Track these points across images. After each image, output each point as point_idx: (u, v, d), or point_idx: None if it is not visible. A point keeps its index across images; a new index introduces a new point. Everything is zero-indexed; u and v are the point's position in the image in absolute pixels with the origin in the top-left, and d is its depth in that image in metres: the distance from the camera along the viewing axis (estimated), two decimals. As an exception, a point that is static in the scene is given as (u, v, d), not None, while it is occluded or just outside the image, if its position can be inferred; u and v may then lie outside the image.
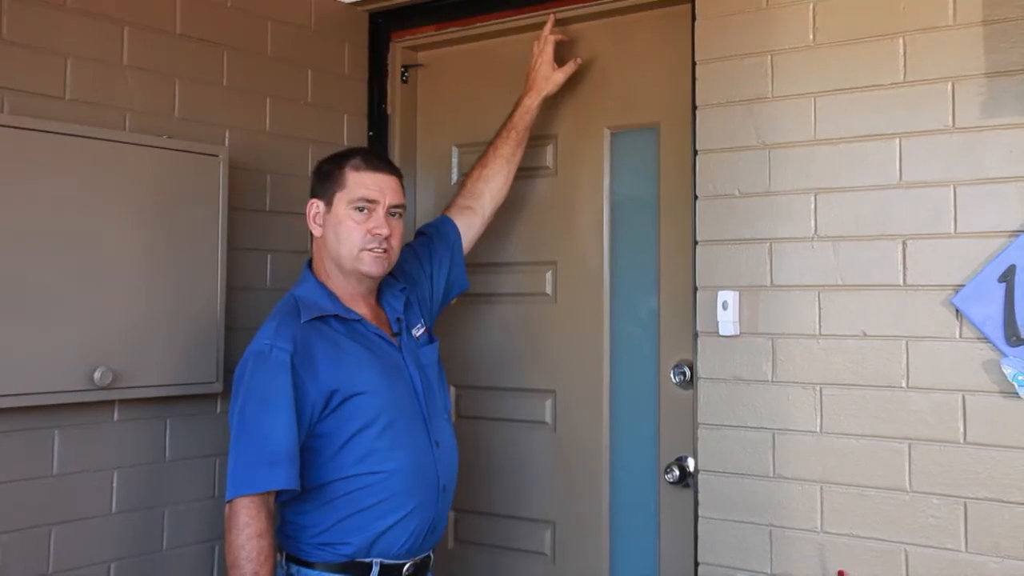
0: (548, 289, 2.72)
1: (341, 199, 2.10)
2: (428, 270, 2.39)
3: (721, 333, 2.22)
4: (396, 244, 2.14)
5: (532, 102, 2.50)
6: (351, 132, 2.87)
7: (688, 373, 2.42)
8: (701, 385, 2.27)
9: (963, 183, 1.96)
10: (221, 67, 2.54)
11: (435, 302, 2.41)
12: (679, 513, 2.42)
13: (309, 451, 2.02)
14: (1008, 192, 1.92)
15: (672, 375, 2.47)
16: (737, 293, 2.21)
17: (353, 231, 2.09)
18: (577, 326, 2.66)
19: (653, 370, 2.51)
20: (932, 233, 1.99)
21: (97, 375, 2.18)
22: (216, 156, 2.45)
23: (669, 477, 2.43)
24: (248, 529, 1.91)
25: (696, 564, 2.25)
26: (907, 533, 2.00)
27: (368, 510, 2.02)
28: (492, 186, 2.49)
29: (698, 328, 2.28)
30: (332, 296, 2.12)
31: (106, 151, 2.23)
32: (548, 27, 2.55)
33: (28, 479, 2.15)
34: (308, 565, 2.03)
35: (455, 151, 2.92)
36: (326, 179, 2.14)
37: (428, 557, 2.15)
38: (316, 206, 2.14)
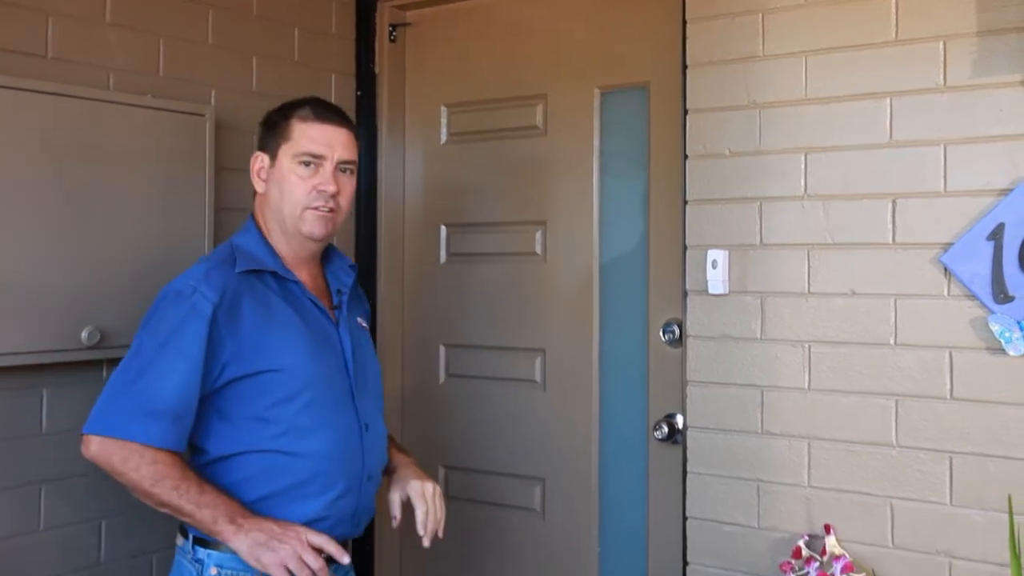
0: (538, 248, 2.72)
1: (286, 152, 1.91)
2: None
3: (710, 292, 2.23)
4: (344, 204, 1.95)
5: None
6: (339, 91, 2.84)
7: (677, 331, 2.43)
8: (690, 343, 2.28)
9: (953, 142, 1.97)
10: (206, 25, 2.51)
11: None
12: (668, 469, 2.44)
13: (219, 413, 1.85)
14: (998, 151, 1.92)
15: (661, 333, 2.48)
16: (727, 252, 2.21)
17: (296, 187, 1.90)
18: (567, 285, 2.66)
19: (642, 328, 2.52)
20: (922, 192, 2.00)
21: (84, 334, 2.17)
22: (202, 115, 2.42)
23: (658, 434, 2.45)
24: (139, 461, 1.74)
25: (684, 518, 2.28)
26: (893, 487, 2.03)
27: (287, 491, 1.85)
28: None
29: (687, 287, 2.28)
30: (273, 253, 1.93)
31: (90, 110, 2.19)
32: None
33: (17, 438, 2.15)
34: (217, 548, 1.82)
35: (444, 111, 2.90)
36: (272, 130, 1.96)
37: (347, 543, 1.95)
38: (260, 159, 1.95)
